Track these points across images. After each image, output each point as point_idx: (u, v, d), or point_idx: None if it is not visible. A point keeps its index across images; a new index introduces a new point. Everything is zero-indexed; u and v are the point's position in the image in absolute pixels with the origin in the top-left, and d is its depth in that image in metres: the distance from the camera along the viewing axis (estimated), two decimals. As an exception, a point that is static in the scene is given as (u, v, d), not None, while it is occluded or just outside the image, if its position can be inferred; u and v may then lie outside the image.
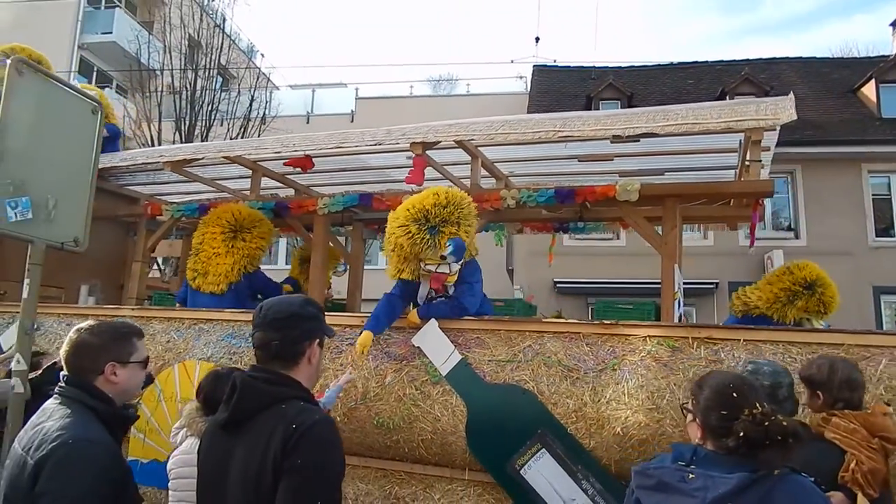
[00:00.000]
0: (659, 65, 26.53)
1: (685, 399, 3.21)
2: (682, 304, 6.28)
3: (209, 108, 21.21)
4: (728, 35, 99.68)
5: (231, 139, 18.76)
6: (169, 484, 4.38)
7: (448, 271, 5.44)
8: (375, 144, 5.92)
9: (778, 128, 5.92)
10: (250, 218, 6.97)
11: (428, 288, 5.64)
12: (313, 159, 6.82)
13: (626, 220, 6.44)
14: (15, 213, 4.43)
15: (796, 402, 3.93)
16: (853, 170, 21.22)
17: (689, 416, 2.91)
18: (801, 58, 25.88)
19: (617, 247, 21.76)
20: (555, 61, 28.03)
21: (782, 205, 21.96)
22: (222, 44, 22.30)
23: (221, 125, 21.19)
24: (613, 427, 4.74)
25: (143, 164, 7.24)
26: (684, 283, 16.87)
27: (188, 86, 21.21)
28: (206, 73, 21.67)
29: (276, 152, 6.75)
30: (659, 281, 15.79)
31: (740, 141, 5.72)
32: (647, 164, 6.82)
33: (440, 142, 5.83)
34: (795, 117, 4.99)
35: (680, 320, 6.17)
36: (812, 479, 2.72)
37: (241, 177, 7.97)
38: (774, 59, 25.75)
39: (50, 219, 4.66)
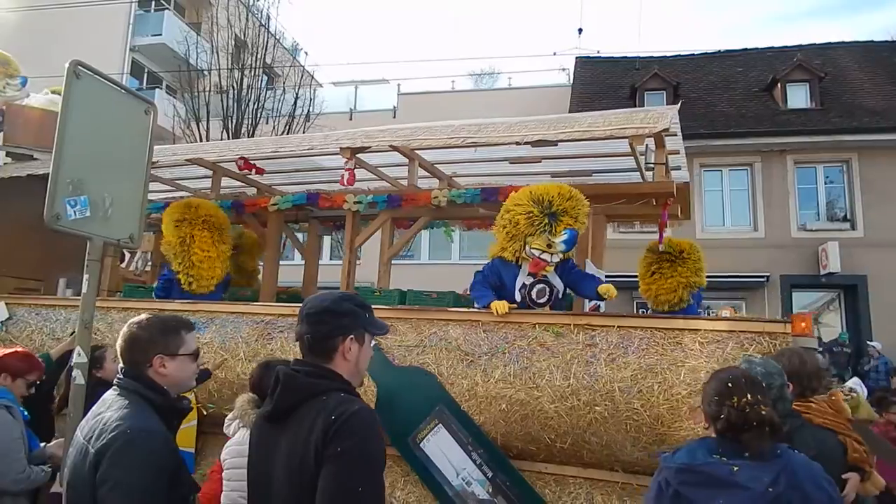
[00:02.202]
0: (706, 52, 26.64)
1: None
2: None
3: (255, 106, 22.68)
4: (780, 19, 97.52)
5: (276, 136, 19.80)
6: (223, 474, 4.80)
7: (549, 260, 6.09)
8: (309, 149, 7.00)
9: (678, 133, 6.85)
10: (222, 217, 7.85)
11: (527, 273, 6.27)
12: (265, 161, 7.98)
13: (550, 219, 7.40)
14: (74, 212, 4.76)
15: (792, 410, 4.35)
16: (913, 157, 21.24)
17: (698, 404, 3.49)
18: (857, 42, 25.79)
19: None
20: (598, 52, 28.59)
21: (837, 195, 22.12)
22: (267, 43, 23.73)
23: (267, 123, 22.55)
24: (500, 404, 5.60)
25: None
26: (732, 278, 17.44)
27: (235, 85, 22.70)
28: (252, 72, 23.11)
29: (220, 156, 7.86)
30: (705, 275, 16.57)
31: (647, 146, 6.60)
32: (577, 165, 7.61)
33: (370, 147, 6.76)
34: (668, 127, 5.83)
35: (598, 310, 7.13)
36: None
37: (205, 177, 8.90)
38: (829, 43, 25.66)
39: (107, 217, 5.01)
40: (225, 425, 5.15)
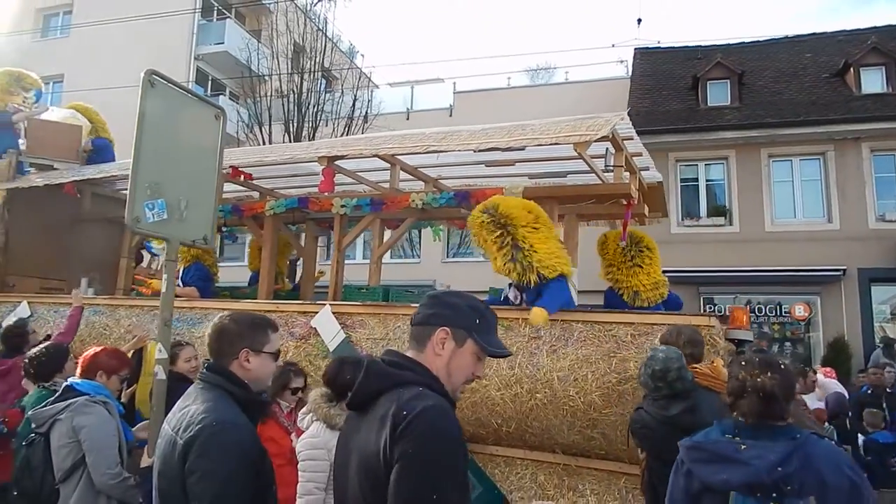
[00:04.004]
0: (773, 39, 26.44)
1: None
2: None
3: (315, 109, 24.04)
4: (850, 2, 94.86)
5: (336, 138, 20.87)
6: (299, 465, 5.06)
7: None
8: (290, 157, 7.94)
9: (634, 137, 7.57)
10: None
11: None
12: (267, 168, 8.95)
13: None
14: (152, 215, 5.12)
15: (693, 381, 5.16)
16: None
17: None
18: (937, 20, 25.38)
19: (729, 232, 22.48)
20: (658, 43, 28.71)
21: (922, 184, 21.48)
22: (325, 47, 25.14)
23: (327, 125, 23.84)
24: (451, 391, 6.58)
25: (113, 176, 9.36)
26: (806, 272, 17.67)
27: (295, 89, 24.09)
28: (311, 75, 24.46)
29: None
30: (775, 269, 17.18)
31: (607, 149, 7.28)
32: (552, 168, 8.29)
33: (346, 155, 7.60)
34: (606, 132, 6.59)
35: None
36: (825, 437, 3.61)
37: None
38: (907, 23, 24.70)
39: (182, 219, 5.36)
40: (298, 419, 5.53)
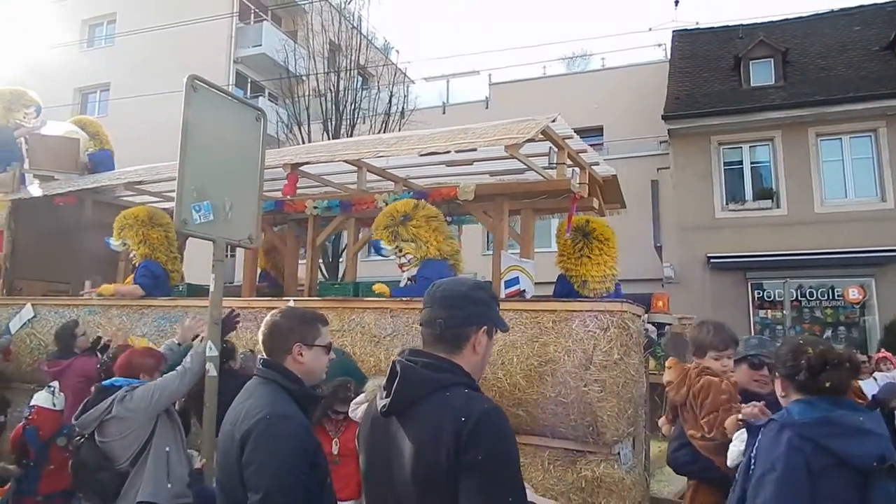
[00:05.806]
0: (817, 14, 26.34)
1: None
2: (520, 281, 8.63)
3: (352, 107, 25.05)
4: None
5: (374, 135, 21.57)
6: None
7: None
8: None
9: (573, 136, 8.31)
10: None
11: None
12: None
13: (475, 215, 9.01)
14: (199, 216, 5.39)
15: None
16: None
17: (774, 376, 3.96)
18: None
19: (777, 216, 22.68)
20: (697, 24, 28.81)
21: None
22: (360, 44, 26.12)
23: (364, 123, 24.90)
24: (399, 378, 7.37)
25: (106, 185, 10.27)
26: (859, 253, 17.90)
27: (332, 88, 25.16)
28: (348, 73, 25.50)
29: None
30: (826, 251, 19.16)
31: (550, 147, 7.88)
32: (510, 165, 8.89)
33: (307, 161, 8.35)
34: (533, 135, 7.28)
35: (523, 295, 8.59)
36: None
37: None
38: (963, -10, 24.30)
39: (227, 220, 5.63)
40: (351, 409, 5.90)
